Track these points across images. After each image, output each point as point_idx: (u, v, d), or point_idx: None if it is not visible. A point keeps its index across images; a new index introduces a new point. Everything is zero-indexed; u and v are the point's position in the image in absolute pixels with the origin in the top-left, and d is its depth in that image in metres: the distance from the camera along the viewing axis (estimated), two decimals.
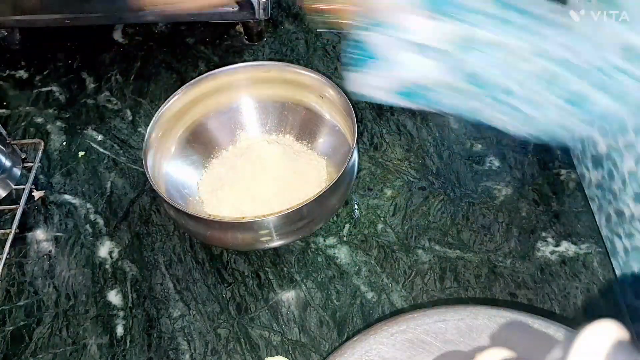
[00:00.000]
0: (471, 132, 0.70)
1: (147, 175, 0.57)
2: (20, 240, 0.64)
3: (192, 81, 0.65)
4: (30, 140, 0.73)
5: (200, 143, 0.68)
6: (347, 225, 0.63)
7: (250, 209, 0.62)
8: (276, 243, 0.57)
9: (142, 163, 0.58)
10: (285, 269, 0.60)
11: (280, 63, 0.67)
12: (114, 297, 0.59)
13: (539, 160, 0.67)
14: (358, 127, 0.59)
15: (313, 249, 0.61)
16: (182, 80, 0.79)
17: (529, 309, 0.53)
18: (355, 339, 0.43)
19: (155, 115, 0.62)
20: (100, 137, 0.74)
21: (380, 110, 0.74)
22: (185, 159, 0.66)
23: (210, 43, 0.85)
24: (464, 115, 0.52)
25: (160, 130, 0.63)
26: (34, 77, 0.82)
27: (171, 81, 0.80)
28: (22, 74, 0.83)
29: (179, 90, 0.64)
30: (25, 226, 0.65)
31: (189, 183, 0.65)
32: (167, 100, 0.63)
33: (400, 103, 0.54)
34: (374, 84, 0.54)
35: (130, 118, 0.76)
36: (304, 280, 0.59)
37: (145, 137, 0.60)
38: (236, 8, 0.79)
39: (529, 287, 0.57)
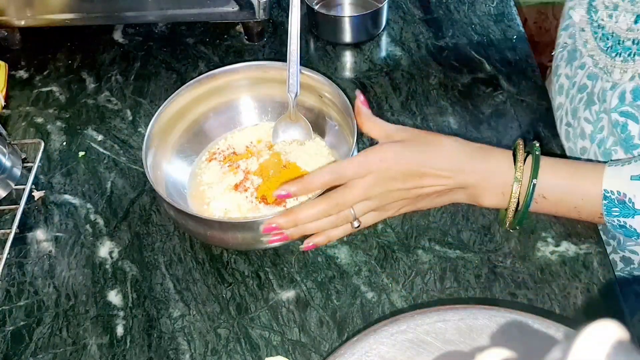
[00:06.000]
0: (471, 132, 0.70)
1: (147, 175, 0.57)
2: (20, 240, 0.64)
3: (192, 81, 0.65)
4: (31, 140, 0.73)
5: (200, 143, 0.68)
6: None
7: (252, 208, 0.62)
8: (276, 243, 0.57)
9: (142, 163, 0.58)
10: (285, 269, 0.60)
11: (280, 63, 0.67)
12: (114, 297, 0.59)
13: None
14: (357, 127, 0.59)
15: (313, 249, 0.61)
16: (182, 80, 0.79)
17: (529, 309, 0.53)
18: (355, 339, 0.43)
19: (155, 115, 0.62)
20: (100, 137, 0.74)
21: (380, 110, 0.74)
22: (185, 159, 0.66)
23: (210, 43, 0.85)
24: None
25: (160, 130, 0.63)
26: (34, 77, 0.82)
27: (171, 81, 0.80)
28: (22, 74, 0.83)
29: (179, 90, 0.64)
30: (26, 226, 0.65)
31: (189, 183, 0.65)
32: (167, 100, 0.63)
33: None
34: None
35: (130, 118, 0.76)
36: (304, 280, 0.59)
37: (145, 137, 0.60)
38: (236, 8, 0.79)
39: (529, 287, 0.57)
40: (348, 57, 0.82)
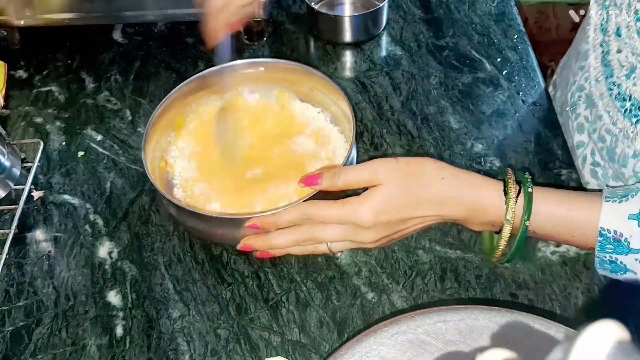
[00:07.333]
0: (472, 132, 0.70)
1: (147, 173, 0.57)
2: (19, 240, 0.64)
3: (189, 79, 0.65)
4: (30, 140, 0.73)
5: (197, 141, 0.68)
6: None
7: (254, 205, 0.62)
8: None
9: (142, 163, 0.58)
10: (285, 269, 0.60)
11: (276, 60, 0.68)
12: (113, 297, 0.59)
13: (539, 161, 0.67)
14: (358, 127, 0.59)
15: None
16: (182, 80, 0.78)
17: (530, 309, 0.53)
18: (355, 339, 0.43)
19: (153, 113, 0.62)
20: (99, 137, 0.74)
21: (381, 110, 0.73)
22: (183, 158, 0.66)
23: None
24: None
25: (158, 128, 0.63)
26: (33, 77, 0.82)
27: (171, 81, 0.80)
28: (21, 73, 0.83)
29: (176, 89, 0.64)
30: (25, 226, 0.65)
31: (188, 181, 0.65)
32: (164, 99, 0.63)
33: None
34: None
35: (130, 118, 0.76)
36: (304, 281, 0.59)
37: (144, 136, 0.60)
38: None
39: (529, 288, 0.57)
40: (348, 57, 0.81)
